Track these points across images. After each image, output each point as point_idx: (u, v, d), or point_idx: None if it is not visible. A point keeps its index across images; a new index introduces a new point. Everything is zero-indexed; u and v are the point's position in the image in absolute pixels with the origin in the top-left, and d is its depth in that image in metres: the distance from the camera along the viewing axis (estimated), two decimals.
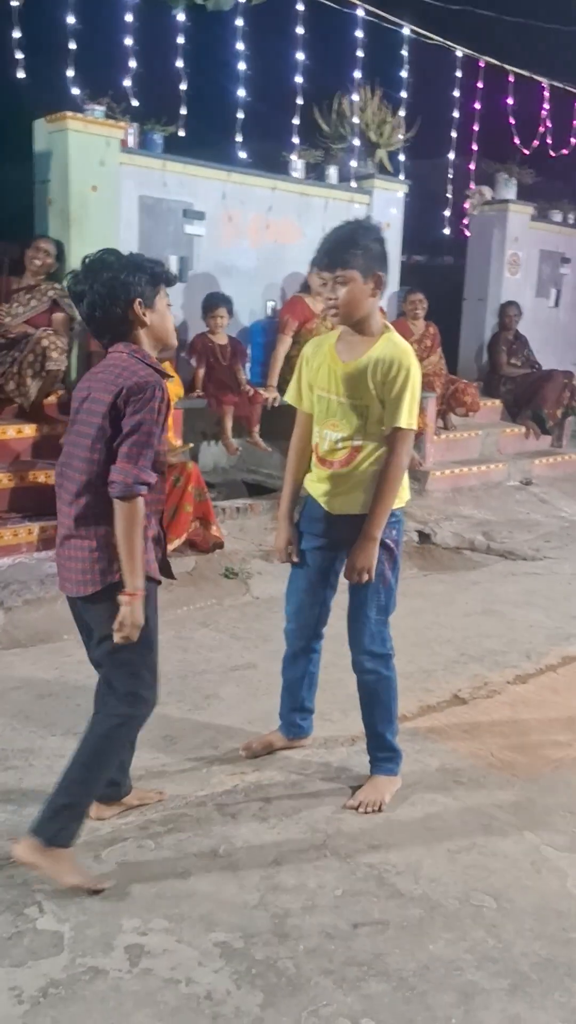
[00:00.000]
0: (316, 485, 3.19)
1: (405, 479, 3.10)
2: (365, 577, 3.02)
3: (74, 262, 6.19)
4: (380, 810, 3.07)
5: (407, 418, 2.97)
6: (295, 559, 3.27)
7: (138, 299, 2.57)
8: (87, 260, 2.61)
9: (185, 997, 2.23)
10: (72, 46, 6.22)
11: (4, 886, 2.60)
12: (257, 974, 2.31)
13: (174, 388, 6.32)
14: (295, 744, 3.50)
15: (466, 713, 3.91)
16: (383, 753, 3.21)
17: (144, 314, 2.60)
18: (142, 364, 2.56)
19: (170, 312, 2.71)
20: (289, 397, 3.29)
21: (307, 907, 2.58)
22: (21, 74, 5.66)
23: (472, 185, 8.30)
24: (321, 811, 3.08)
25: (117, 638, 2.54)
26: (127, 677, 2.64)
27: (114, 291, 2.55)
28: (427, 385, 7.81)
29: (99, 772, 2.66)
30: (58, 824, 2.56)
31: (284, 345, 6.90)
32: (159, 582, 2.70)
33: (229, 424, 6.66)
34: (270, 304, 7.53)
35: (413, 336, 7.84)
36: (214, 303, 6.66)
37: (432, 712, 3.90)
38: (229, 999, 2.23)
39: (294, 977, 2.31)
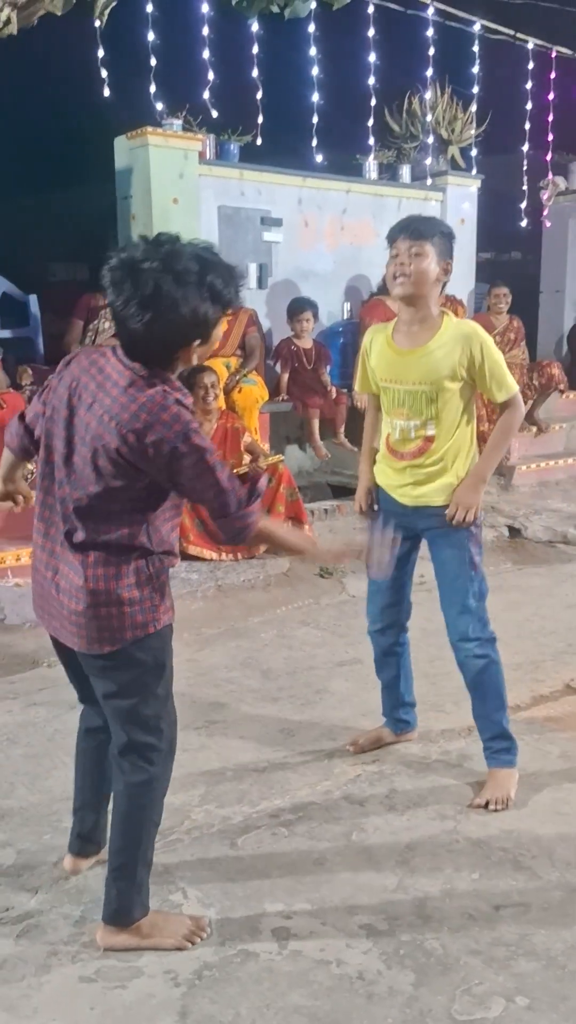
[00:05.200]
0: (389, 476, 3.20)
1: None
2: (467, 516, 3.02)
3: None
4: (508, 806, 3.02)
5: (511, 385, 3.02)
6: (373, 508, 3.32)
7: (199, 339, 2.10)
8: (151, 273, 1.97)
9: (337, 977, 2.26)
10: (147, 62, 6.34)
11: None
12: (406, 954, 2.33)
13: (259, 392, 6.41)
14: (403, 738, 3.50)
15: None
16: (501, 743, 3.16)
17: (194, 354, 2.13)
18: (182, 407, 2.08)
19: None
20: (358, 385, 3.36)
21: (446, 890, 2.59)
22: (106, 93, 5.78)
23: (550, 175, 8.24)
24: (447, 798, 3.09)
25: None
26: (145, 732, 2.31)
27: (183, 326, 2.03)
28: None
29: (141, 849, 2.35)
30: (124, 906, 2.35)
31: None
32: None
33: (316, 428, 6.70)
34: (347, 306, 7.57)
35: (495, 330, 7.79)
36: (300, 307, 6.73)
37: (546, 701, 3.87)
38: (381, 979, 2.25)
39: (443, 957, 2.32)
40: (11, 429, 2.46)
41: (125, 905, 2.34)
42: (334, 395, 6.79)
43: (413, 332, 3.05)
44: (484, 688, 3.16)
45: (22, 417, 2.44)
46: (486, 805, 3.03)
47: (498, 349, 3.05)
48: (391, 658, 3.40)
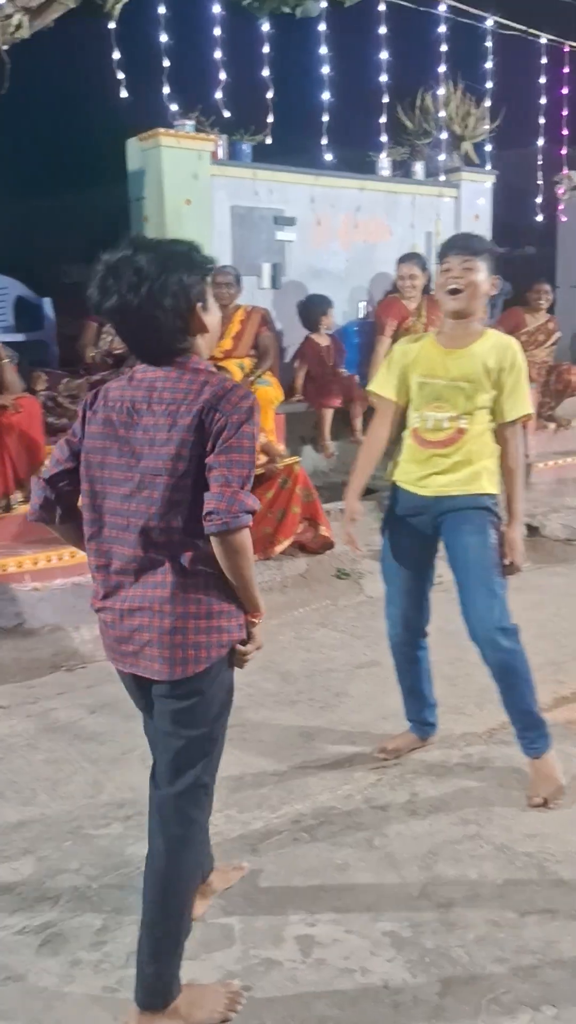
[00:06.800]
0: (410, 470, 3.19)
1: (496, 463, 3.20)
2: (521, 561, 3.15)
3: None
4: (563, 793, 3.05)
5: (526, 407, 3.14)
6: (356, 546, 3.36)
7: (199, 302, 2.06)
8: (125, 261, 2.00)
9: (362, 987, 2.23)
10: (159, 64, 6.34)
11: None
12: (431, 963, 2.31)
13: (275, 392, 6.38)
14: (428, 742, 3.48)
15: None
16: (535, 731, 3.12)
17: (204, 319, 2.09)
18: (242, 389, 2.06)
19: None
20: (374, 386, 3.29)
21: (470, 897, 2.56)
22: (118, 95, 5.78)
23: (565, 169, 8.20)
24: (469, 802, 3.06)
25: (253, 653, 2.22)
26: (207, 772, 2.15)
27: (176, 298, 2.01)
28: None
29: (185, 916, 2.12)
30: (163, 986, 2.09)
31: (384, 346, 6.87)
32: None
33: (327, 427, 6.68)
34: (362, 304, 7.55)
35: (526, 328, 7.69)
36: (327, 303, 6.74)
37: (568, 703, 3.84)
38: (407, 988, 2.23)
39: (468, 965, 2.30)
40: (35, 491, 2.22)
41: (165, 984, 2.08)
42: (348, 377, 6.75)
43: (457, 335, 3.16)
44: (515, 680, 3.11)
45: (50, 481, 2.19)
46: (545, 803, 3.02)
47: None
48: (413, 664, 3.37)
